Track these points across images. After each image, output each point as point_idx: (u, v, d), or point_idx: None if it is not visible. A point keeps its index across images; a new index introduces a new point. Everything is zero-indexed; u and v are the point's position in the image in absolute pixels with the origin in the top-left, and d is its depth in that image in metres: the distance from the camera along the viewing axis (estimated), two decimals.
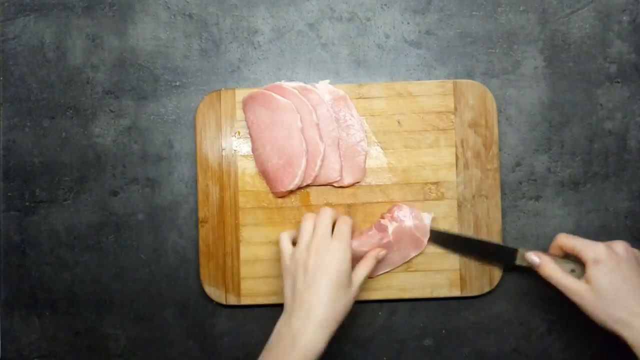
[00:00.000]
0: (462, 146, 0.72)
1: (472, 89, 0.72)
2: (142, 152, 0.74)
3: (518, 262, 0.67)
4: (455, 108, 0.72)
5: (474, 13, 0.75)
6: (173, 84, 0.74)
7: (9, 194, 0.74)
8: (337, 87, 0.72)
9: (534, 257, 0.65)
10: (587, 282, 0.60)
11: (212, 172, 0.72)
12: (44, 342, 0.74)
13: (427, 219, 0.71)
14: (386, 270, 0.71)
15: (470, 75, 0.74)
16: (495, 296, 0.73)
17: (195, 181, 0.73)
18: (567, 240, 0.63)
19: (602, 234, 0.74)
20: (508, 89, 0.74)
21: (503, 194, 0.74)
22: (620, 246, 0.61)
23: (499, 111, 0.74)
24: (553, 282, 0.62)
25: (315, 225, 0.64)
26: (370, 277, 0.71)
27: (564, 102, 0.74)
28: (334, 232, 0.63)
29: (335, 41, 0.75)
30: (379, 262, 0.68)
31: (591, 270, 0.59)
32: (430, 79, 0.74)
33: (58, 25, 0.75)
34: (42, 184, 0.74)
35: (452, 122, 0.72)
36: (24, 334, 0.74)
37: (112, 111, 0.74)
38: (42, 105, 0.74)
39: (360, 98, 0.72)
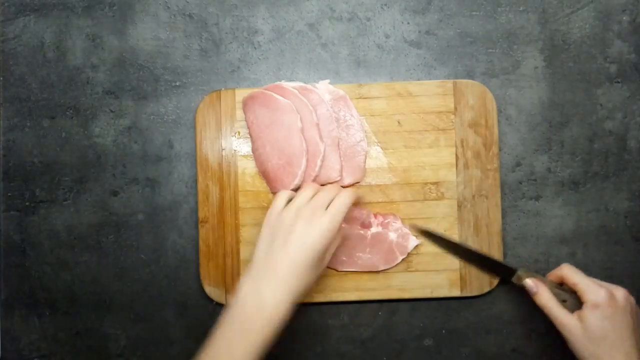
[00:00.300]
0: (462, 146, 0.72)
1: (472, 88, 0.72)
2: (142, 152, 0.74)
3: (514, 280, 0.67)
4: (455, 108, 0.72)
5: (474, 13, 0.75)
6: (173, 84, 0.74)
7: (9, 193, 0.74)
8: (337, 87, 0.72)
9: (530, 284, 0.65)
10: (580, 320, 0.61)
11: (212, 172, 0.72)
12: (44, 342, 0.74)
13: (412, 244, 0.71)
14: (351, 270, 0.71)
15: (470, 75, 0.74)
16: (495, 296, 0.73)
17: (195, 181, 0.73)
18: (571, 275, 0.64)
19: (602, 234, 0.74)
20: (508, 89, 0.74)
21: (503, 194, 0.74)
22: (620, 294, 0.62)
23: (499, 111, 0.74)
24: (546, 311, 0.64)
25: (316, 195, 0.63)
26: (335, 270, 0.71)
27: (564, 102, 0.74)
28: (330, 205, 0.62)
29: (335, 41, 0.75)
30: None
31: (587, 312, 0.61)
32: (430, 79, 0.74)
33: (58, 25, 0.75)
34: (42, 184, 0.74)
35: (452, 122, 0.72)
36: (24, 334, 0.74)
37: (112, 111, 0.74)
38: (42, 105, 0.74)
39: (360, 98, 0.72)
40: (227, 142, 0.73)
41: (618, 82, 0.74)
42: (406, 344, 0.74)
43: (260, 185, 0.72)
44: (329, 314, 0.73)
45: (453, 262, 0.71)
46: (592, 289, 0.62)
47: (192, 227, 0.73)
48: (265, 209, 0.72)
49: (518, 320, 0.73)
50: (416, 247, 0.71)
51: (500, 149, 0.74)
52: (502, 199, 0.73)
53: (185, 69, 0.74)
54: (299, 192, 0.64)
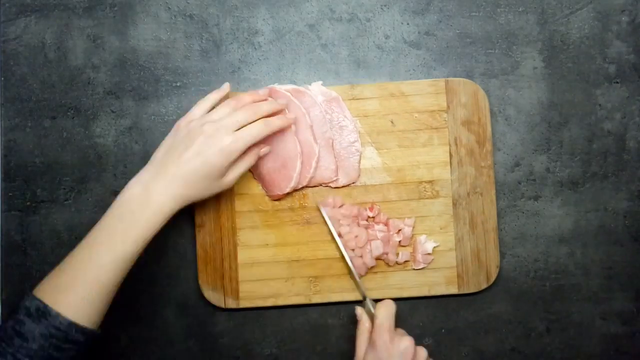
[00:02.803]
0: (456, 144, 0.72)
1: (464, 87, 0.72)
2: (143, 152, 0.74)
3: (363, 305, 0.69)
4: (448, 106, 0.72)
5: (473, 14, 0.75)
6: (174, 84, 0.75)
7: (10, 193, 0.74)
8: (330, 88, 0.72)
9: (358, 313, 0.67)
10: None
11: None
12: None
13: (402, 257, 0.71)
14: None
15: (469, 75, 0.74)
16: (494, 295, 0.73)
17: None
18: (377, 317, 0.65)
19: (600, 234, 0.74)
20: (507, 89, 0.74)
21: (502, 194, 0.74)
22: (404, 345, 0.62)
23: (498, 111, 0.74)
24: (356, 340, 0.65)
25: (231, 114, 0.64)
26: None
27: (563, 103, 0.74)
28: (241, 129, 0.63)
29: (335, 42, 0.75)
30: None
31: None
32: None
33: (59, 25, 0.75)
34: (43, 183, 0.74)
35: (445, 120, 0.72)
36: None
37: (113, 111, 0.75)
38: (43, 106, 0.75)
39: (353, 99, 0.73)
40: None
41: (617, 83, 0.74)
42: None
43: (256, 188, 0.73)
44: (329, 314, 0.74)
45: (450, 260, 0.72)
46: (377, 334, 0.63)
47: (193, 227, 0.74)
48: (262, 212, 0.72)
49: (517, 320, 0.74)
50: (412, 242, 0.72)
51: (499, 149, 0.74)
52: (501, 198, 0.74)
53: (186, 70, 0.75)
54: (217, 107, 0.65)
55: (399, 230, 0.71)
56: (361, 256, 0.71)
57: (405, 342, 0.62)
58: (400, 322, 0.74)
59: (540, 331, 0.74)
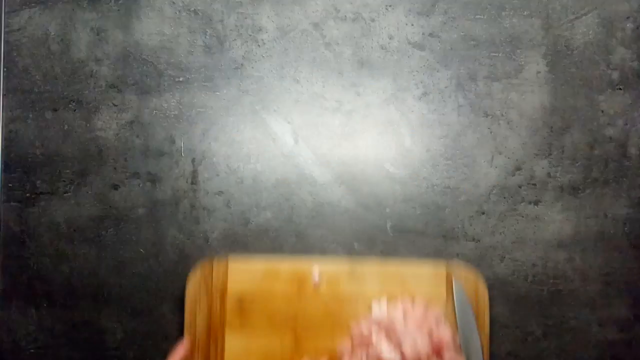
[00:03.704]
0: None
1: (466, 278, 0.71)
2: (144, 146, 0.74)
3: None
4: (447, 296, 0.71)
5: (478, 17, 0.75)
6: (176, 79, 0.75)
7: (10, 185, 0.74)
8: (329, 262, 0.71)
9: None
10: None
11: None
12: (40, 333, 0.74)
13: None
14: None
15: (472, 78, 0.74)
16: (491, 299, 0.73)
17: (196, 179, 0.73)
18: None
19: (600, 240, 0.74)
20: (510, 92, 0.74)
21: (502, 197, 0.74)
22: None
23: (501, 115, 0.74)
24: None
25: None
26: None
27: (565, 108, 0.74)
28: None
29: (339, 41, 0.75)
30: None
31: None
32: (432, 81, 0.74)
33: (63, 17, 0.75)
34: (43, 175, 0.74)
35: (444, 315, 0.70)
36: (21, 325, 0.74)
37: (114, 105, 0.75)
38: (45, 98, 0.75)
39: (352, 277, 0.71)
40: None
41: (620, 89, 0.74)
42: None
43: None
44: None
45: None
46: None
47: (192, 222, 0.74)
48: None
49: (514, 324, 0.74)
50: None
51: (500, 153, 0.74)
52: (501, 202, 0.73)
53: (189, 65, 0.75)
54: None
55: None
56: None
57: None
58: None
59: (537, 336, 0.74)
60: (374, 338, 0.68)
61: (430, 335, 0.67)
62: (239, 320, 0.70)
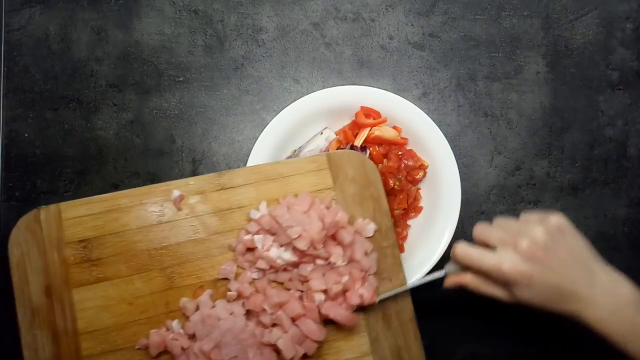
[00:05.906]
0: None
1: (350, 159, 0.63)
2: (144, 146, 0.74)
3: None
4: (334, 183, 0.63)
5: (478, 17, 0.75)
6: (176, 79, 0.75)
7: (10, 184, 0.74)
8: (191, 180, 0.62)
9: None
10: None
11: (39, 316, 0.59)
12: None
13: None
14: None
15: (472, 78, 0.74)
16: (491, 301, 0.73)
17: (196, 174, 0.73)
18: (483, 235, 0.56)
19: (599, 240, 0.74)
20: (510, 93, 0.74)
21: (502, 197, 0.74)
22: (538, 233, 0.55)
23: (500, 115, 0.74)
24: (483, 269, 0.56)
25: None
26: None
27: (565, 108, 0.74)
28: None
29: (339, 41, 0.75)
30: None
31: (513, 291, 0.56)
32: (432, 81, 0.74)
33: (63, 17, 0.75)
34: (43, 175, 0.74)
35: (334, 199, 0.62)
36: None
37: (115, 104, 0.75)
38: (45, 97, 0.75)
39: (221, 189, 0.62)
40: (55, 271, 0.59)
41: (620, 89, 0.74)
42: None
43: (109, 320, 0.59)
44: None
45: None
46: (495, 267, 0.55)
47: None
48: (124, 350, 0.58)
49: (513, 326, 0.74)
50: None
51: (500, 153, 0.74)
52: (501, 202, 0.74)
53: (189, 65, 0.75)
54: None
55: None
56: None
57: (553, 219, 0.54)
58: None
59: (538, 336, 0.74)
60: (259, 245, 0.59)
61: (322, 220, 0.59)
62: (87, 272, 0.59)
